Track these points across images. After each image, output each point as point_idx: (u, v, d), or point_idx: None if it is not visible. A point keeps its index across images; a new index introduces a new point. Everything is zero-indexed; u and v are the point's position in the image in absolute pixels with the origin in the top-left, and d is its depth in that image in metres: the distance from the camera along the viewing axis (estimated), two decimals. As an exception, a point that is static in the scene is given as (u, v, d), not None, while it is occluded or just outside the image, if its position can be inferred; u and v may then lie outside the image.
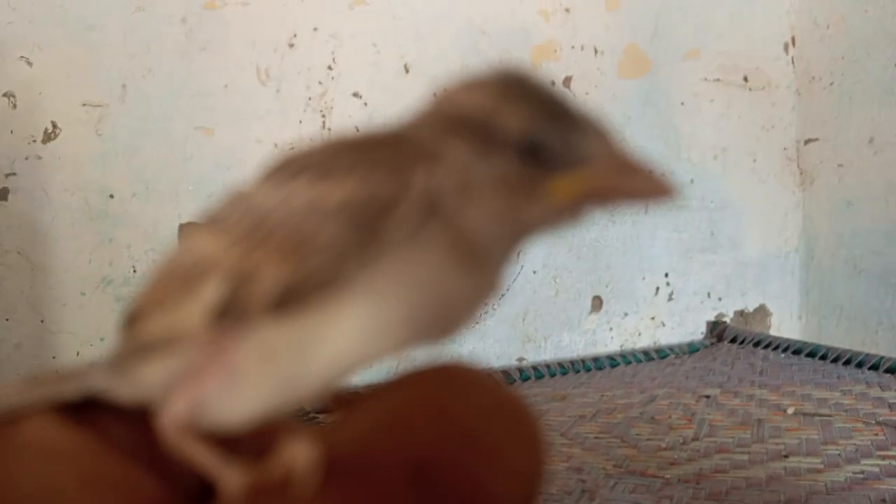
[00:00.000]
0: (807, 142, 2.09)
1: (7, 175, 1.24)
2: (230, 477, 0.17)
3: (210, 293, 0.18)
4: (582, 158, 0.18)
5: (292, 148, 0.19)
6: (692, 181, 1.94)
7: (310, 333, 0.17)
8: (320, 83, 1.48)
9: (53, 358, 1.28)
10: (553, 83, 0.19)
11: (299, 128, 1.46)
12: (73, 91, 1.29)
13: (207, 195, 1.37)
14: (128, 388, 0.19)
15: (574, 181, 0.18)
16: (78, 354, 1.29)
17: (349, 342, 0.16)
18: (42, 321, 1.27)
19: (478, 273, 0.18)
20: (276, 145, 1.43)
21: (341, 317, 0.16)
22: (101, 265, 1.30)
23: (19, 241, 1.26)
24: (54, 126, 1.27)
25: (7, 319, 1.25)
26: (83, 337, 1.30)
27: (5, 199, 1.24)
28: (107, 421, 0.20)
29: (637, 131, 1.84)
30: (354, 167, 0.17)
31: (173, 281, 0.19)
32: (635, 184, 0.18)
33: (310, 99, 1.47)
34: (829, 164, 2.06)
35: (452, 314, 0.18)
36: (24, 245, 1.26)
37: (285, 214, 0.17)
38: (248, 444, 0.19)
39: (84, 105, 1.30)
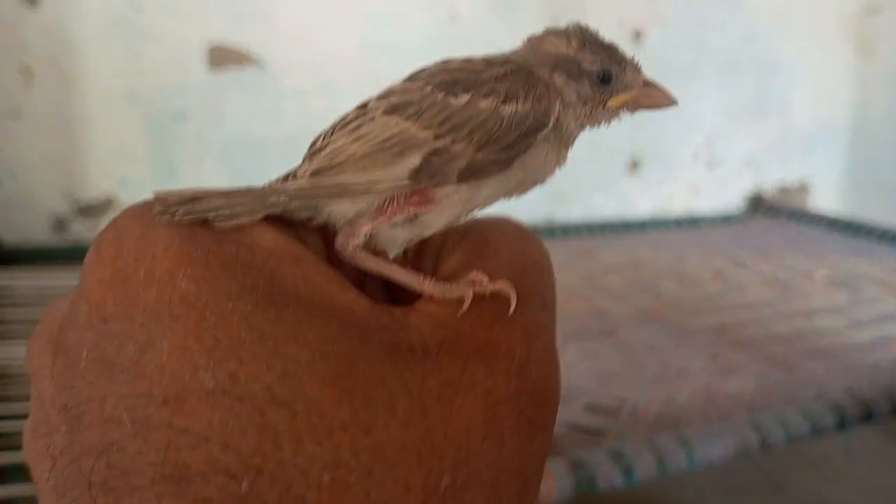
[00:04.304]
0: (870, 10, 1.96)
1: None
2: (429, 286, 0.25)
3: (414, 161, 0.26)
4: (625, 83, 0.29)
5: (446, 61, 0.28)
6: (745, 39, 1.83)
7: (475, 191, 0.27)
8: None
9: (81, 169, 1.28)
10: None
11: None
12: None
13: (235, 16, 1.33)
14: (309, 213, 0.26)
15: (622, 98, 0.30)
16: (106, 169, 1.29)
17: (488, 194, 0.27)
18: (71, 133, 1.27)
19: (562, 152, 0.29)
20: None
21: (487, 184, 0.27)
22: (128, 79, 1.28)
23: (50, 50, 1.23)
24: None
25: (39, 130, 1.25)
26: (111, 151, 1.29)
27: (36, 5, 1.21)
28: (298, 232, 0.26)
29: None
30: (517, 94, 0.27)
31: (378, 150, 0.26)
32: (654, 98, 0.30)
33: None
34: (891, 34, 1.94)
35: (541, 178, 0.29)
36: (54, 55, 1.24)
37: (474, 117, 0.26)
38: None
39: None
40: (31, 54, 1.22)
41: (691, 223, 1.83)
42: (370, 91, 0.29)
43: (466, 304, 0.23)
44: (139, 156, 1.31)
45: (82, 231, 1.29)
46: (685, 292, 1.26)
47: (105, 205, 1.29)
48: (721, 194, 1.91)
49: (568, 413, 0.77)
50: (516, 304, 0.24)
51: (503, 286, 0.24)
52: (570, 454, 0.63)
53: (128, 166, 1.30)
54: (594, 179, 1.73)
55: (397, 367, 0.21)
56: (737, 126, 1.88)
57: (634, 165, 1.77)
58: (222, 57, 1.33)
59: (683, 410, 0.79)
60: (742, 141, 1.90)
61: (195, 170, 1.34)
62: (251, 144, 1.37)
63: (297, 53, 1.39)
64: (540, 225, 1.63)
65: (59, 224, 1.28)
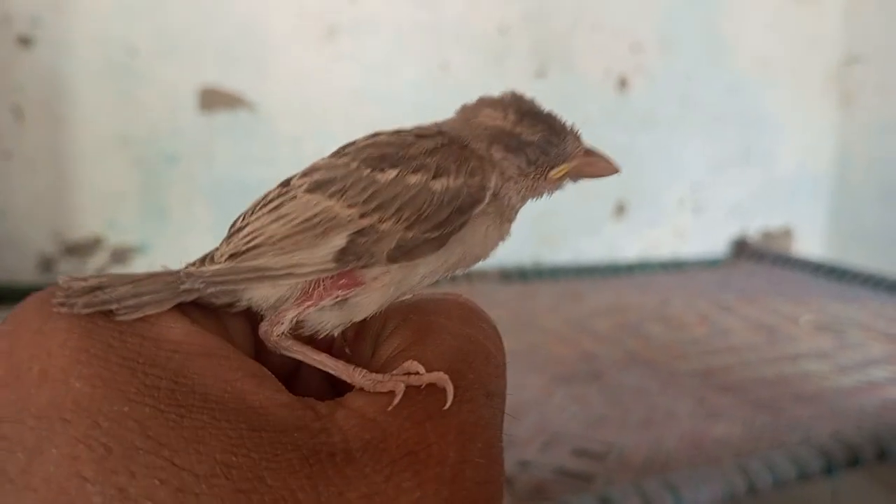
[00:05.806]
0: (851, 60, 2.01)
1: (32, 22, 1.22)
2: (359, 377, 0.22)
3: (338, 242, 0.24)
4: (566, 153, 0.29)
5: (376, 135, 0.26)
6: (729, 91, 1.88)
7: (409, 271, 0.25)
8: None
9: (69, 210, 1.28)
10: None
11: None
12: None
13: (229, 61, 1.35)
14: (229, 299, 0.24)
15: (563, 169, 0.29)
16: (95, 210, 1.29)
17: (425, 273, 0.26)
18: (61, 174, 1.27)
19: (504, 226, 0.28)
20: (298, 13, 1.39)
21: (421, 263, 0.25)
22: (120, 123, 1.29)
23: (42, 91, 1.24)
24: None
25: (29, 170, 1.25)
26: (100, 193, 1.29)
27: (30, 46, 1.22)
28: (220, 319, 0.25)
29: (678, 31, 1.77)
30: (449, 169, 0.25)
31: (299, 231, 0.24)
32: (596, 167, 0.29)
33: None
34: (871, 85, 1.98)
35: (482, 253, 0.27)
36: (47, 96, 1.25)
37: (402, 194, 0.25)
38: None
39: (109, -45, 1.26)
40: (24, 95, 1.23)
41: (677, 267, 1.84)
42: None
43: (397, 400, 0.21)
44: (129, 197, 1.31)
45: (69, 271, 1.28)
46: (671, 336, 1.27)
47: (93, 245, 1.29)
48: (706, 239, 1.93)
49: (556, 457, 0.76)
50: (454, 398, 0.21)
51: (439, 378, 0.22)
52: (557, 499, 0.63)
53: (117, 207, 1.30)
54: (581, 223, 1.74)
55: (312, 479, 0.19)
56: (721, 173, 1.91)
57: (620, 210, 1.79)
58: (214, 100, 1.34)
59: (671, 455, 0.79)
60: (727, 187, 1.93)
61: (185, 212, 1.35)
62: (242, 188, 1.37)
63: (290, 99, 1.40)
64: (527, 268, 1.63)
65: (46, 264, 1.27)
